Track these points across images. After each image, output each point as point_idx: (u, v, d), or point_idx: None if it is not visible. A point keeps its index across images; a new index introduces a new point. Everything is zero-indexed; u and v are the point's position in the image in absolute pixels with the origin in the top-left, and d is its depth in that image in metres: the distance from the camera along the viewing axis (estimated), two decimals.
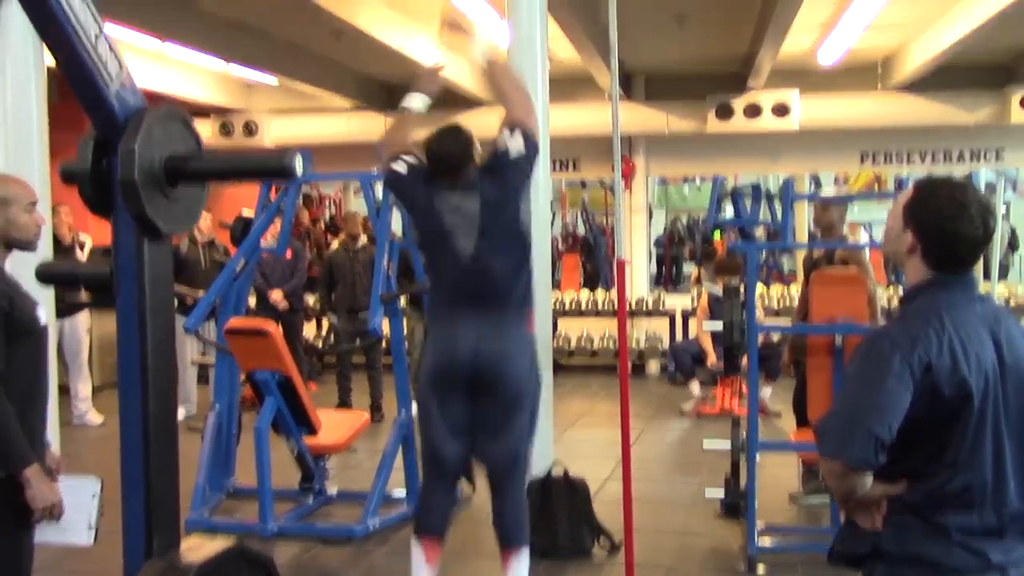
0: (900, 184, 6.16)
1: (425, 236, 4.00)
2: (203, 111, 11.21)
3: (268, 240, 7.05)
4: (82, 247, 8.36)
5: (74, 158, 1.80)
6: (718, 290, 8.15)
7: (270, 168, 1.98)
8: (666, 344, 10.78)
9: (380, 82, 11.23)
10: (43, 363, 2.38)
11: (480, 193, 3.79)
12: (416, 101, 4.03)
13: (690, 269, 16.90)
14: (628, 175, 11.38)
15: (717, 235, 15.80)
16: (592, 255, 15.85)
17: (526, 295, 3.89)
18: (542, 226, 5.51)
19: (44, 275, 2.00)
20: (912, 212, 2.14)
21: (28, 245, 2.66)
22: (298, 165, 1.78)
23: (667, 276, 16.88)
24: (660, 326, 11.16)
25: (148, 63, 9.15)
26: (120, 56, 1.72)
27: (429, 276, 4.04)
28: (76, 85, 1.69)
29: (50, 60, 1.60)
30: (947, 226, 2.08)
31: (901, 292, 8.17)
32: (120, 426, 1.92)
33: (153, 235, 1.80)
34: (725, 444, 5.41)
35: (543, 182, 5.48)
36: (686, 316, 10.87)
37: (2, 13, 5.40)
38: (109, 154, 1.75)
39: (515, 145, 3.83)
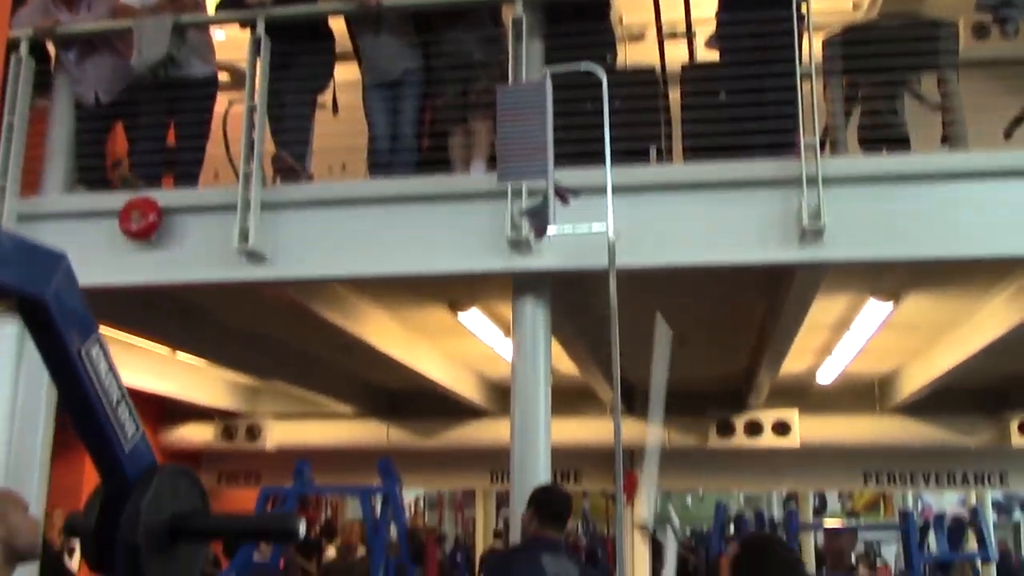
0: (906, 515, 6.08)
1: None
2: (207, 413, 11.32)
3: (263, 550, 6.90)
4: (71, 553, 8.15)
5: (81, 511, 1.81)
6: None
7: (272, 530, 1.98)
8: None
9: (384, 391, 11.43)
10: None
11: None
12: None
13: None
14: (630, 489, 11.26)
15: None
16: (596, 566, 15.40)
17: None
18: None
19: None
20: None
21: (32, 551, 2.66)
22: (300, 528, 1.78)
23: None
24: None
25: (153, 363, 9.35)
26: (137, 419, 1.76)
27: None
28: (91, 447, 1.72)
29: None
30: None
31: None
32: None
33: None
34: None
35: None
36: None
37: None
38: (114, 511, 1.75)
39: None
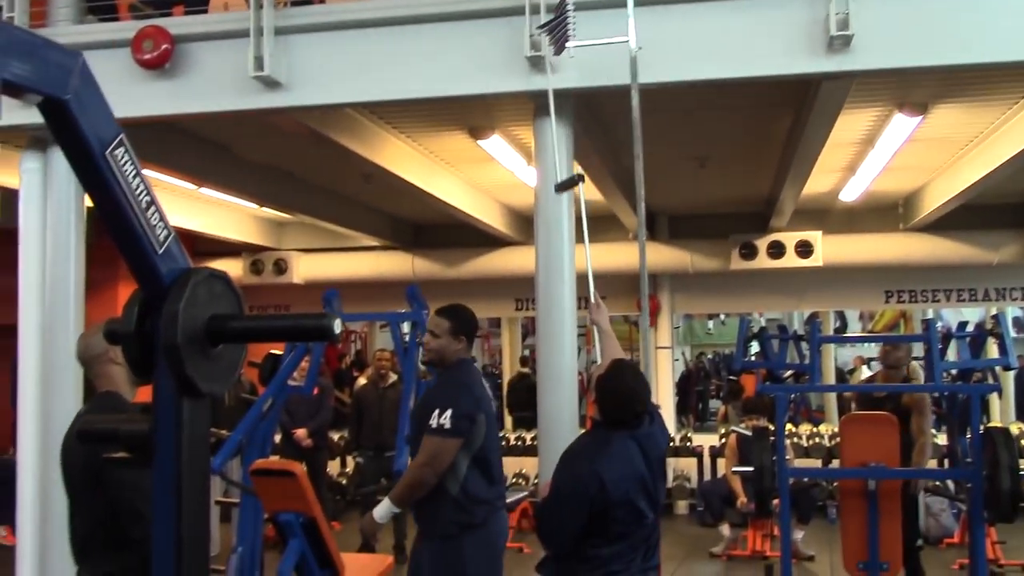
0: (927, 325, 6.15)
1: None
2: (234, 249, 11.45)
3: (296, 378, 7.07)
4: None
5: (119, 318, 1.85)
6: (747, 431, 8.06)
7: (308, 330, 2.01)
8: (694, 483, 10.60)
9: (408, 222, 11.48)
10: None
11: None
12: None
13: (717, 405, 16.77)
14: (653, 312, 11.41)
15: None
16: None
17: None
18: (568, 362, 5.53)
19: (86, 435, 2.01)
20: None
21: None
22: (336, 327, 1.81)
23: (693, 412, 16.71)
24: (688, 465, 10.98)
25: (181, 201, 9.41)
26: (168, 222, 1.78)
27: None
28: (124, 249, 1.74)
29: (90, 202, 1.66)
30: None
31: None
32: None
33: (193, 395, 1.82)
34: None
35: (568, 318, 5.54)
36: (714, 454, 10.70)
37: (49, 155, 5.66)
38: (153, 316, 1.79)
39: None
